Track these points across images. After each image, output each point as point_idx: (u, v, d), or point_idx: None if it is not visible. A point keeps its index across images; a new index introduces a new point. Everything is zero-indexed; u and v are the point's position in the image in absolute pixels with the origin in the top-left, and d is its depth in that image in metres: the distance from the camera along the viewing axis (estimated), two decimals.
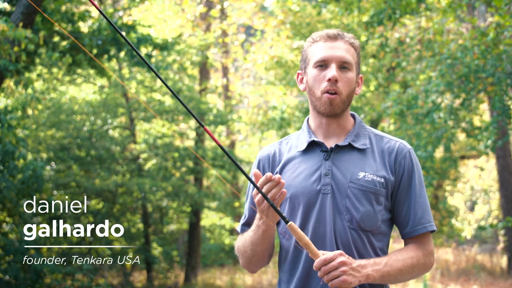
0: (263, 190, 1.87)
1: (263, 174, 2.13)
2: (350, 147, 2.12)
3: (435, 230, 2.11)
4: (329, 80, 2.05)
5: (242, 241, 2.12)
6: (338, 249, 2.01)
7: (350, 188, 2.04)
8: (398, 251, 2.05)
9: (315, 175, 2.08)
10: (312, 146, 2.14)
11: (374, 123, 14.76)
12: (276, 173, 2.15)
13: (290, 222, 1.88)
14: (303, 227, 2.05)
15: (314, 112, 2.15)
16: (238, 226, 2.23)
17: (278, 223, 2.17)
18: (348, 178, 2.05)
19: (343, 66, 2.08)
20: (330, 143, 2.13)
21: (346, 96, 2.08)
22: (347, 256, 1.90)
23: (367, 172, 2.06)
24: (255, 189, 1.90)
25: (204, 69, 15.28)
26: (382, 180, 2.06)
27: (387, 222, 2.10)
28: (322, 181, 2.06)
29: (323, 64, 2.08)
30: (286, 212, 2.09)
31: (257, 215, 1.99)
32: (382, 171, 2.08)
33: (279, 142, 2.26)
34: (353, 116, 2.21)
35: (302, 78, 2.18)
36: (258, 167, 2.20)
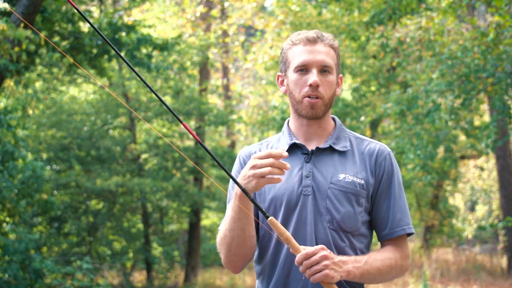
0: (270, 160, 1.86)
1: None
2: (330, 149, 2.12)
3: (413, 233, 2.11)
4: (310, 85, 2.05)
5: (221, 228, 2.09)
6: None
7: (331, 189, 2.05)
8: (377, 251, 2.06)
9: (296, 177, 2.08)
10: (293, 148, 2.14)
11: (375, 124, 14.76)
12: None
13: (270, 217, 1.87)
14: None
15: (295, 115, 2.16)
16: (219, 227, 2.17)
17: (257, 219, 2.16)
18: (329, 180, 2.06)
19: (323, 70, 2.08)
20: (311, 146, 2.14)
21: (328, 99, 2.09)
22: (328, 250, 1.89)
23: (347, 174, 2.07)
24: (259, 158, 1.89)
25: (205, 69, 15.28)
26: (362, 181, 2.07)
27: (366, 224, 2.11)
28: (303, 182, 2.07)
29: (303, 69, 2.08)
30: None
31: (234, 190, 1.95)
32: (362, 173, 2.09)
33: (259, 143, 2.26)
34: (333, 119, 2.21)
35: (283, 81, 2.18)
36: (241, 165, 2.19)
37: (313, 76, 2.05)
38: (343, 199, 2.04)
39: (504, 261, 14.06)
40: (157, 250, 14.06)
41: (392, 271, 2.05)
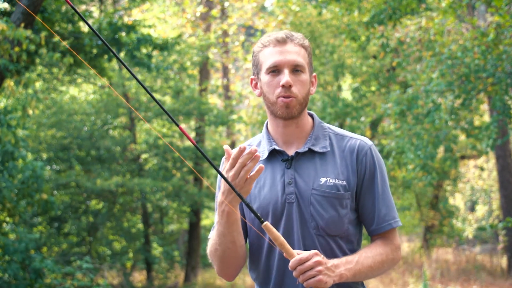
0: (238, 163, 1.86)
1: None
2: (310, 152, 2.10)
3: (400, 226, 2.12)
4: (283, 86, 2.04)
5: (211, 242, 2.08)
6: None
7: (313, 195, 2.04)
8: (367, 248, 2.06)
9: (279, 185, 2.07)
10: (274, 154, 2.12)
11: (375, 124, 14.76)
12: None
13: (265, 222, 1.87)
14: None
15: (272, 116, 2.13)
16: (210, 235, 2.16)
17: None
18: (311, 185, 2.05)
19: (295, 69, 2.06)
20: (290, 150, 2.12)
21: (302, 98, 2.06)
22: (322, 255, 1.90)
23: (328, 177, 2.06)
24: (228, 168, 1.88)
25: (205, 69, 15.28)
26: (344, 182, 2.06)
27: (354, 222, 2.11)
28: (286, 190, 2.06)
29: (275, 70, 2.06)
30: (256, 224, 2.07)
31: (219, 200, 1.95)
32: (344, 174, 2.08)
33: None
34: (311, 116, 2.19)
35: (256, 84, 2.15)
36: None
37: (285, 77, 2.03)
38: (326, 204, 2.03)
39: (504, 261, 14.06)
40: (157, 250, 14.06)
41: (384, 266, 2.06)
